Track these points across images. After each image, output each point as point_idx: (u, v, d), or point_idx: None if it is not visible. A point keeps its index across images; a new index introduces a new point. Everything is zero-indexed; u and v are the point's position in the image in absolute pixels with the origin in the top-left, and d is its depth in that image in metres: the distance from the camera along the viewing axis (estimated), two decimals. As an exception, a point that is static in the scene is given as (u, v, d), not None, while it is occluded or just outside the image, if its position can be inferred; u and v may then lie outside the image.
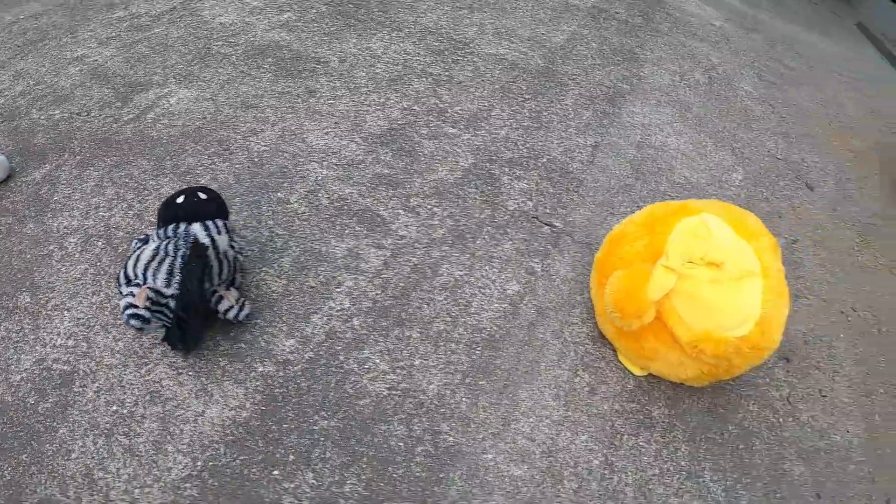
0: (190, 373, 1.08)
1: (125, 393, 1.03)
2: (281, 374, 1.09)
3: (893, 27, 3.96)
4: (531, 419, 1.10)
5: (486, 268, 1.30)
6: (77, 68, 1.79)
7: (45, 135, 1.55)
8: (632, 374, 1.19)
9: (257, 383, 1.08)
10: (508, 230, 1.37)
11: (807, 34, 3.39)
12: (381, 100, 1.72)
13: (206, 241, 1.04)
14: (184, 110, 1.69)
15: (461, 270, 1.29)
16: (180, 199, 1.08)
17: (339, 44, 1.98)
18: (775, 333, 1.02)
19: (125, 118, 1.64)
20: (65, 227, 1.30)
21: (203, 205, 1.09)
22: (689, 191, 1.61)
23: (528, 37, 2.15)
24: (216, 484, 0.94)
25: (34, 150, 1.50)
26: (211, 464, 0.96)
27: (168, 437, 0.98)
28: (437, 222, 1.37)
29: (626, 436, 1.10)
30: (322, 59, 1.90)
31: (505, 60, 1.95)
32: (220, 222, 1.09)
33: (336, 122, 1.64)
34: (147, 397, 1.03)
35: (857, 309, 1.55)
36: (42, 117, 1.61)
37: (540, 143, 1.60)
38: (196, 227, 1.04)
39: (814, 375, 1.35)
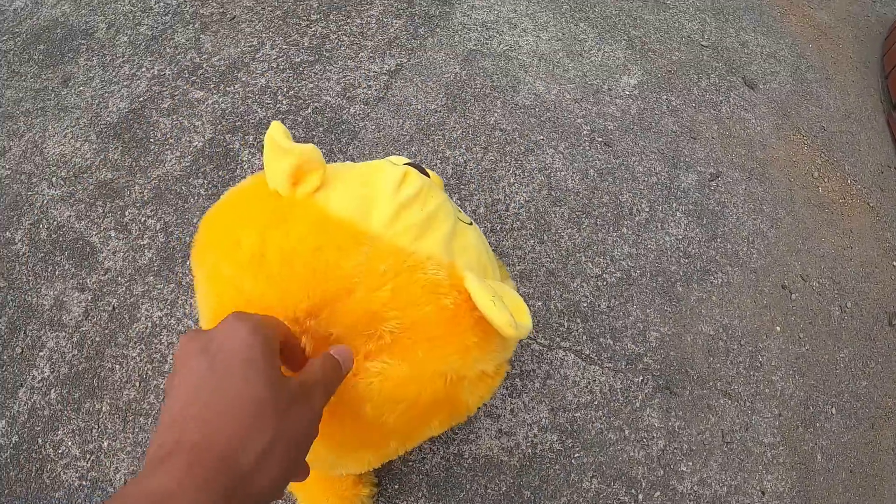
0: (-69, 463, 0.96)
1: None
2: (-5, 463, 0.91)
3: None
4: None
5: (192, 301, 0.92)
6: None
7: None
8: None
9: (-21, 474, 0.92)
10: (231, 238, 0.95)
11: None
12: (132, 71, 1.30)
13: None
14: (-46, 139, 1.42)
15: (161, 310, 0.92)
16: None
17: (115, 3, 1.54)
18: None
19: None
20: None
21: None
22: (540, 115, 1.02)
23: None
24: None
25: None
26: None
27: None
28: (146, 241, 0.99)
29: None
30: (90, 30, 1.49)
31: (303, -32, 1.37)
32: None
33: (77, 118, 1.27)
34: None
35: (810, 277, 0.94)
36: None
37: (310, 86, 1.09)
38: None
39: (717, 409, 0.83)
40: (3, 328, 1.03)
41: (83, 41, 1.47)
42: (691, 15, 1.35)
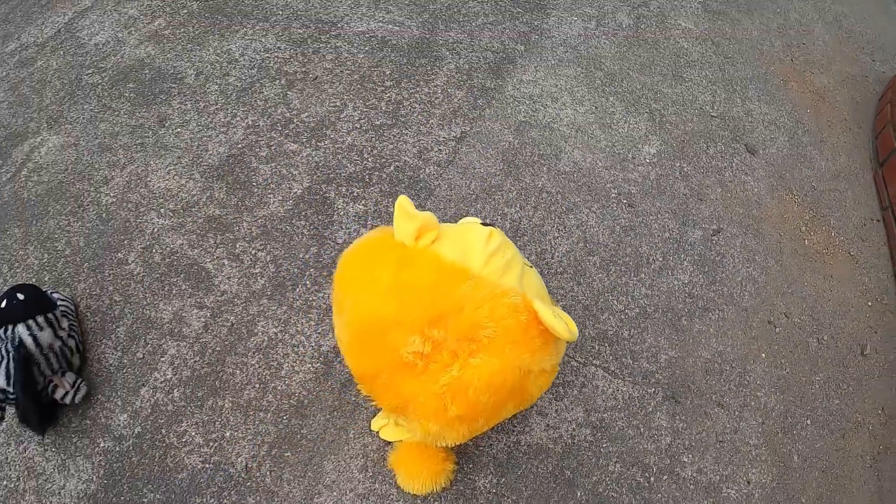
0: (53, 449, 1.15)
1: (10, 469, 1.13)
2: (117, 449, 1.13)
3: None
4: (335, 493, 1.01)
5: (303, 321, 1.16)
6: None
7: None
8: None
9: (100, 458, 1.13)
10: (333, 270, 1.21)
11: None
12: (227, 118, 1.55)
13: (29, 340, 1.10)
14: (51, 162, 1.64)
15: (276, 327, 1.17)
16: (3, 304, 1.15)
17: (200, 51, 1.79)
18: None
19: (4, 178, 1.63)
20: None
21: (22, 306, 1.15)
22: (578, 180, 1.30)
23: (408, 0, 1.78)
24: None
25: None
26: (72, 533, 1.03)
27: (42, 508, 1.05)
28: (258, 270, 1.24)
29: (439, 511, 0.98)
30: (179, 75, 1.74)
31: (374, 38, 1.65)
32: (40, 318, 1.15)
33: (179, 157, 1.52)
34: (25, 472, 1.13)
35: (792, 314, 1.22)
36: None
37: (390, 147, 1.36)
38: (20, 329, 1.12)
39: (712, 415, 1.10)
40: (122, 336, 1.25)
41: (173, 85, 1.72)
42: (704, 87, 1.65)
